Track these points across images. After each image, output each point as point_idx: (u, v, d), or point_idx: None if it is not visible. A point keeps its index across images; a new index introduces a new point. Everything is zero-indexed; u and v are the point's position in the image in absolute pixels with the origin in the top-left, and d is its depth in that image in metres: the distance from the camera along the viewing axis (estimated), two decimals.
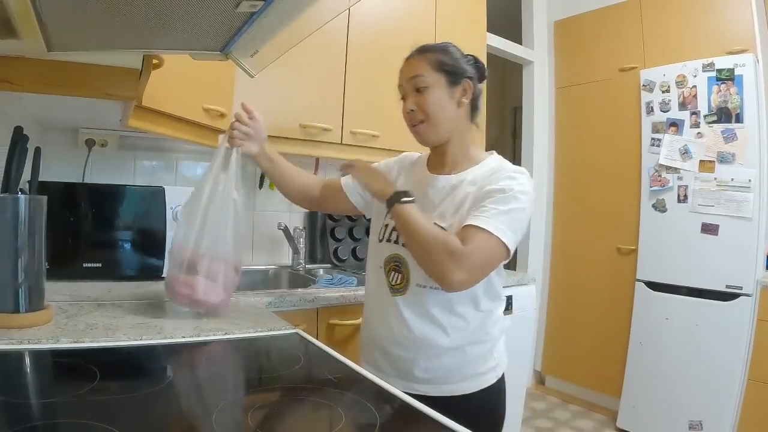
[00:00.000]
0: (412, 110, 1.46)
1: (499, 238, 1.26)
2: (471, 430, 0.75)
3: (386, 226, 1.50)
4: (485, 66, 1.54)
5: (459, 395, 1.38)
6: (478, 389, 1.39)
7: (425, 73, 1.44)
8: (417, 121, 1.46)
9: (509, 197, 1.31)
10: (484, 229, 1.26)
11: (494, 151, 1.54)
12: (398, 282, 1.45)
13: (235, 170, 1.51)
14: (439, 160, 1.52)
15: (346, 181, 1.68)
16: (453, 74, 1.44)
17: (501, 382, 1.45)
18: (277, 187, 1.77)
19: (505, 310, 1.53)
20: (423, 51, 1.48)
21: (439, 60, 1.44)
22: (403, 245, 1.41)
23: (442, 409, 0.84)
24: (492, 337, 1.44)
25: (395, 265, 1.46)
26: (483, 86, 1.56)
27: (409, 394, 0.92)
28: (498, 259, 1.33)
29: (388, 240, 1.48)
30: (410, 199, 1.33)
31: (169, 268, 1.41)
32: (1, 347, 1.01)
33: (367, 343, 1.55)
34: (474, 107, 1.50)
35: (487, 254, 1.28)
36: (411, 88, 1.47)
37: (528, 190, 1.36)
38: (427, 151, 1.59)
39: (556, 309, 3.92)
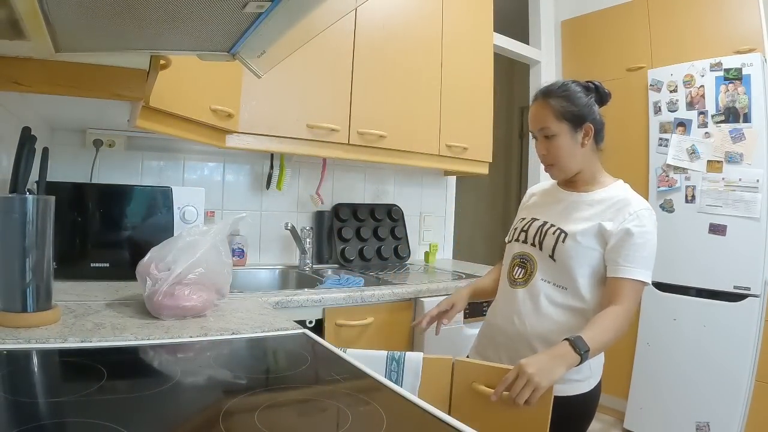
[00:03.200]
0: (543, 154, 1.62)
1: (643, 282, 1.47)
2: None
3: (515, 228, 1.71)
4: (606, 90, 1.63)
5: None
6: (573, 393, 1.51)
7: (550, 124, 1.57)
8: (548, 164, 1.63)
9: (645, 243, 1.48)
10: (633, 280, 1.45)
11: (621, 180, 1.66)
12: (521, 276, 1.63)
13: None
14: (570, 183, 1.68)
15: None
16: (575, 121, 1.56)
17: (596, 390, 1.59)
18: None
19: None
20: (546, 96, 1.59)
21: (562, 109, 1.56)
22: (531, 244, 1.62)
23: None
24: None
25: (521, 261, 1.64)
26: (606, 108, 1.64)
27: None
28: (641, 295, 1.53)
29: (516, 240, 1.68)
30: (585, 345, 1.33)
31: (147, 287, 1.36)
32: (9, 347, 1.01)
33: (482, 337, 1.76)
34: (598, 139, 1.61)
35: (637, 297, 1.49)
36: (539, 134, 1.61)
37: (654, 227, 1.52)
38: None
39: None
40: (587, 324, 1.41)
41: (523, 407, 1.25)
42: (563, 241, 1.54)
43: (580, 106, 1.55)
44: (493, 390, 1.31)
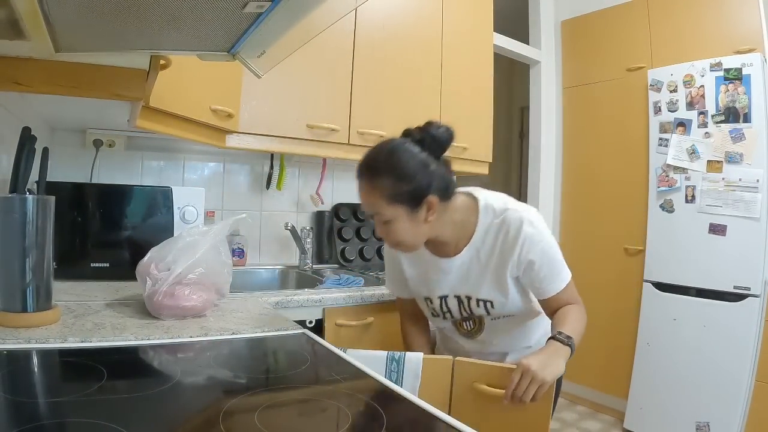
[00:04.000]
0: (383, 236, 1.45)
1: (570, 279, 1.50)
2: None
3: (432, 308, 1.62)
4: (440, 133, 1.39)
5: None
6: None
7: (383, 210, 1.37)
8: (391, 245, 1.49)
9: (547, 254, 1.45)
10: (562, 289, 1.47)
11: (473, 193, 1.51)
12: (472, 327, 1.61)
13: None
14: (439, 243, 1.50)
15: (402, 294, 1.73)
16: (413, 200, 1.35)
17: None
18: None
19: None
20: (372, 176, 1.37)
21: (391, 190, 1.34)
22: (464, 318, 1.59)
23: None
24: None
25: (464, 320, 1.60)
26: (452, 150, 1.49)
27: None
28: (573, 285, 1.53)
29: (444, 318, 1.62)
30: (568, 337, 1.36)
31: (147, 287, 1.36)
32: (9, 346, 1.01)
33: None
34: (449, 196, 1.43)
35: (575, 291, 1.52)
36: (374, 217, 1.42)
37: (540, 228, 1.45)
38: None
39: None
40: (554, 322, 1.46)
41: (528, 405, 1.27)
42: (492, 306, 1.52)
43: (414, 181, 1.33)
44: (494, 388, 1.32)
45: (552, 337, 1.37)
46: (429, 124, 1.40)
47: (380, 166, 1.36)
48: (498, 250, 1.45)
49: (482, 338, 1.60)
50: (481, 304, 1.52)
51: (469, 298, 1.53)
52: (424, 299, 1.62)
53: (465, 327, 1.61)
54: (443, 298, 1.57)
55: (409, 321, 1.73)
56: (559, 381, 1.49)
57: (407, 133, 1.42)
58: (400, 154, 1.35)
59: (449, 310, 1.58)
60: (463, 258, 1.49)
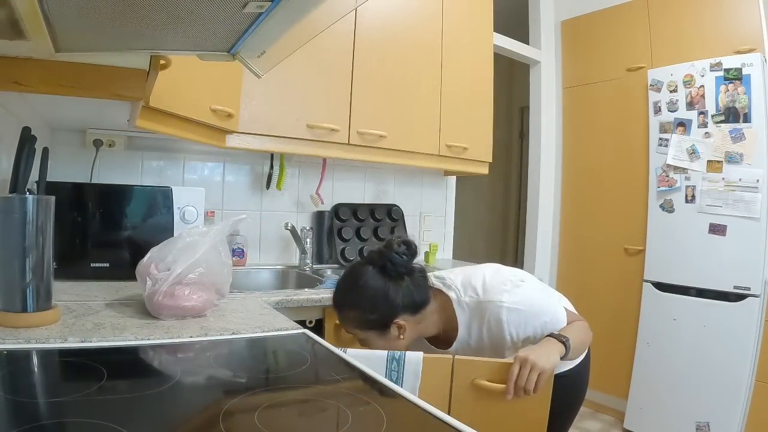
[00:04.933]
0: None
1: (564, 312, 1.54)
2: None
3: None
4: (405, 251, 1.49)
5: None
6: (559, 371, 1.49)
7: (355, 332, 1.52)
8: None
9: (536, 322, 1.46)
10: (565, 324, 1.50)
11: (444, 289, 1.56)
12: None
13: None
14: (433, 337, 1.60)
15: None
16: (379, 326, 1.47)
17: (583, 364, 1.63)
18: None
19: None
20: (340, 310, 1.53)
21: (358, 319, 1.48)
22: None
23: None
24: None
25: None
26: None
27: None
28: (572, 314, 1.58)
29: None
30: (564, 336, 1.42)
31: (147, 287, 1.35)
32: (9, 347, 1.01)
33: None
34: (420, 308, 1.50)
35: (574, 314, 1.59)
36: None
37: (518, 299, 1.47)
38: None
39: None
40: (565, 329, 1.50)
41: (528, 397, 1.32)
42: None
43: (377, 310, 1.45)
44: (495, 384, 1.34)
45: (549, 335, 1.43)
46: (389, 246, 1.50)
47: (345, 302, 1.52)
48: (487, 338, 1.49)
49: None
50: None
51: None
52: None
53: None
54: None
55: None
56: (577, 391, 1.59)
57: (370, 260, 1.52)
58: (359, 290, 1.48)
59: None
60: (456, 348, 1.54)
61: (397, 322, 1.46)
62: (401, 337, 1.47)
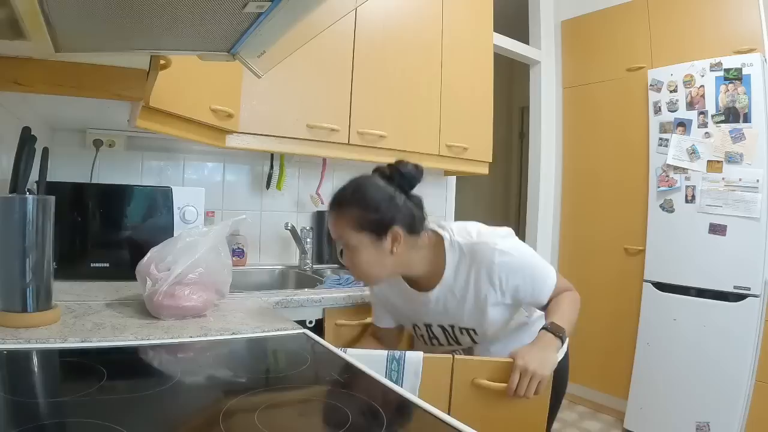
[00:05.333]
0: (349, 266, 1.48)
1: (557, 281, 1.52)
2: None
3: (420, 335, 1.65)
4: (409, 171, 1.46)
5: None
6: None
7: (348, 236, 1.43)
8: (356, 276, 1.51)
9: (529, 270, 1.48)
10: (551, 291, 1.49)
11: (439, 230, 1.53)
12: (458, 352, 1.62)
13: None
14: (413, 279, 1.56)
15: (380, 323, 1.75)
16: (377, 229, 1.41)
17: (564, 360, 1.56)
18: None
19: None
20: (340, 207, 1.45)
21: (357, 218, 1.41)
22: (449, 344, 1.62)
23: None
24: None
25: (452, 345, 1.63)
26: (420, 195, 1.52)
27: None
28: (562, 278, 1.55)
29: (432, 344, 1.65)
30: (560, 328, 1.40)
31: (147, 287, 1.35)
32: (9, 347, 1.01)
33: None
34: (416, 230, 1.47)
35: (566, 283, 1.55)
36: (340, 244, 1.47)
37: (515, 247, 1.49)
38: None
39: None
40: (547, 312, 1.48)
41: (524, 400, 1.32)
42: (476, 333, 1.56)
43: (380, 210, 1.40)
44: (495, 383, 1.34)
45: (544, 328, 1.41)
46: (399, 162, 1.47)
47: (347, 198, 1.44)
48: (473, 286, 1.47)
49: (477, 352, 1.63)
50: (465, 332, 1.57)
51: (452, 327, 1.57)
52: (412, 326, 1.66)
53: (456, 352, 1.62)
54: (428, 326, 1.61)
55: (370, 339, 1.79)
56: (563, 382, 1.54)
57: (377, 170, 1.49)
58: (366, 187, 1.44)
59: (436, 337, 1.62)
60: (437, 294, 1.51)
61: (394, 231, 1.41)
62: (394, 250, 1.42)
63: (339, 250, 1.48)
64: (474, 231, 1.51)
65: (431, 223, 1.54)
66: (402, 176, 1.44)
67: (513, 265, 1.45)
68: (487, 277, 1.45)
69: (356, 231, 1.41)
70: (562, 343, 1.39)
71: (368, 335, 1.82)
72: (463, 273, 1.48)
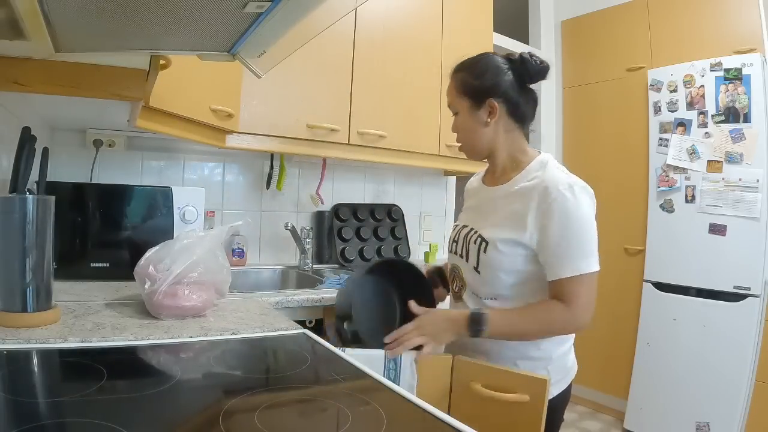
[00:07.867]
0: (454, 133, 1.53)
1: (588, 273, 1.34)
2: None
3: (450, 238, 1.60)
4: (535, 65, 1.41)
5: None
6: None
7: (452, 100, 1.49)
8: (457, 143, 1.54)
9: (576, 230, 1.33)
10: (574, 277, 1.32)
11: (541, 152, 1.49)
12: (456, 289, 1.55)
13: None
14: (491, 170, 1.57)
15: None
16: (476, 96, 1.43)
17: (563, 394, 1.48)
18: None
19: None
20: (455, 72, 1.49)
21: (464, 82, 1.45)
22: (459, 255, 1.51)
23: None
24: (545, 353, 1.43)
25: (453, 275, 1.57)
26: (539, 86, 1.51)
27: None
28: (595, 283, 1.39)
29: (450, 251, 1.58)
30: (484, 323, 1.32)
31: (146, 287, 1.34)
32: (9, 347, 1.01)
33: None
34: (517, 117, 1.45)
35: (588, 290, 1.36)
36: (452, 111, 1.52)
37: (583, 206, 1.35)
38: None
39: None
40: (513, 308, 1.39)
41: (522, 406, 1.29)
42: (485, 251, 1.41)
43: (484, 80, 1.41)
44: (491, 391, 1.33)
45: (479, 313, 1.33)
46: (530, 53, 1.45)
47: (464, 65, 1.48)
48: (525, 199, 1.37)
49: (462, 305, 1.51)
50: (479, 241, 1.43)
51: (475, 231, 1.47)
52: (454, 227, 1.63)
53: (454, 287, 1.56)
54: (462, 227, 1.55)
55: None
56: (558, 416, 1.49)
57: (502, 55, 1.49)
58: (482, 57, 1.46)
59: (457, 241, 1.54)
60: (498, 192, 1.48)
61: (492, 102, 1.41)
62: (488, 121, 1.42)
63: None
64: (568, 172, 1.43)
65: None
66: (522, 62, 1.42)
67: (565, 208, 1.31)
68: (540, 198, 1.33)
69: (459, 95, 1.46)
70: (471, 336, 1.32)
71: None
72: (529, 186, 1.38)
